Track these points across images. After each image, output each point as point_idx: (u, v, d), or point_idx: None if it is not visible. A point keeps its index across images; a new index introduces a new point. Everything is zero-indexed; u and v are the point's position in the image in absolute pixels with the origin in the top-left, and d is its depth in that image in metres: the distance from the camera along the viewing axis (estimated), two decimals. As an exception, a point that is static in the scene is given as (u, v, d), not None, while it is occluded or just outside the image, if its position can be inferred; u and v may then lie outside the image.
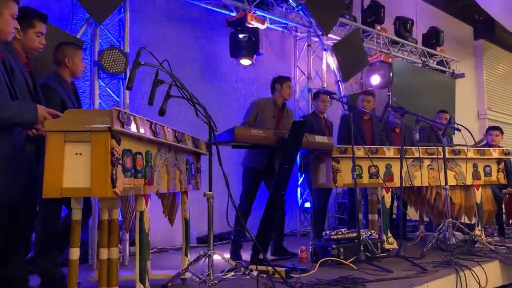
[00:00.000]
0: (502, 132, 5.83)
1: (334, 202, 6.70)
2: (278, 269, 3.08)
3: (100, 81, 4.35)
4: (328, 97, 4.77)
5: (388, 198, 4.33)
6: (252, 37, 5.53)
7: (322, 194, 4.76)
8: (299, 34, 6.73)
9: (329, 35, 6.55)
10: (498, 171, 4.86)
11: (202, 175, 3.43)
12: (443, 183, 4.28)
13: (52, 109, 2.28)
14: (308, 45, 6.62)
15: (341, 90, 6.81)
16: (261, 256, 3.28)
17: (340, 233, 3.90)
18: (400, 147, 4.09)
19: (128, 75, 3.95)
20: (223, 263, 2.86)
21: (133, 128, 2.12)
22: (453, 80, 8.92)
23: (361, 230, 3.81)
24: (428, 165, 4.52)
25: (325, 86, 6.54)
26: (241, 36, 5.49)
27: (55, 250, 3.00)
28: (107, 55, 4.23)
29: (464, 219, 4.92)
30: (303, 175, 5.81)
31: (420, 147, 4.39)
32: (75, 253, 2.11)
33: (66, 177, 1.95)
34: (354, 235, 3.82)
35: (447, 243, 4.06)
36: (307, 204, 6.32)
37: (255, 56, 5.63)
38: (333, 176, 4.02)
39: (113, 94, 4.50)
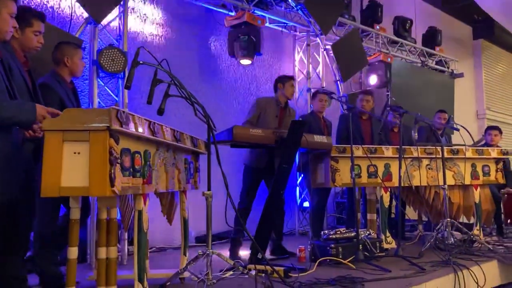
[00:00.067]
0: (501, 132, 5.84)
1: (333, 202, 6.70)
2: (276, 268, 3.08)
3: (99, 80, 4.34)
4: (327, 96, 4.77)
5: (386, 197, 4.34)
6: (252, 37, 5.53)
7: (321, 194, 4.76)
8: (298, 33, 6.73)
9: (328, 35, 6.55)
10: (496, 171, 4.86)
11: (201, 174, 3.43)
12: (441, 183, 4.29)
13: (51, 108, 2.27)
14: (307, 45, 6.63)
15: (340, 90, 6.81)
16: (259, 256, 3.28)
17: (338, 232, 3.90)
18: (398, 146, 4.09)
19: (126, 74, 3.94)
20: (221, 262, 2.86)
21: (131, 127, 2.12)
22: (452, 79, 8.93)
23: (360, 230, 3.81)
24: (427, 165, 4.52)
25: (324, 86, 6.54)
26: (241, 36, 5.49)
27: (54, 249, 3.00)
28: (106, 54, 4.23)
29: (463, 218, 4.93)
30: (302, 175, 5.81)
31: (418, 147, 4.39)
32: (73, 252, 2.11)
33: (64, 176, 1.95)
34: (352, 234, 3.82)
35: (446, 242, 4.07)
36: (306, 204, 6.32)
37: (255, 56, 5.63)
38: (331, 175, 4.03)
39: (111, 93, 4.50)
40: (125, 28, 4.48)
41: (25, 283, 2.55)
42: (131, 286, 2.33)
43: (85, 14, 4.26)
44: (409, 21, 8.02)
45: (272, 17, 6.08)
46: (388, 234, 4.33)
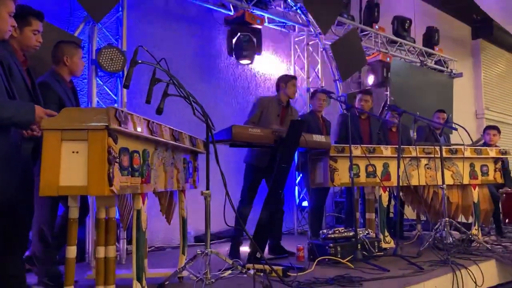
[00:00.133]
0: (499, 132, 5.84)
1: (332, 201, 6.71)
2: (275, 267, 3.08)
3: (97, 79, 4.34)
4: (326, 96, 4.77)
5: (385, 197, 4.34)
6: (251, 36, 5.53)
7: (319, 193, 4.76)
8: (297, 33, 6.74)
9: (327, 34, 6.55)
10: (495, 171, 4.87)
11: (199, 173, 3.43)
12: (440, 183, 4.29)
13: (49, 109, 2.27)
14: (306, 44, 6.63)
15: (339, 89, 6.82)
16: (258, 255, 3.28)
17: (337, 232, 3.90)
18: (397, 146, 4.09)
19: (125, 74, 3.94)
20: (220, 262, 2.86)
21: (130, 126, 2.12)
22: (451, 79, 8.94)
23: (358, 229, 3.82)
24: (426, 165, 4.53)
25: (323, 85, 6.54)
26: (240, 35, 5.48)
27: (52, 249, 3.00)
28: (104, 53, 4.23)
29: (461, 218, 4.94)
30: (301, 174, 5.81)
31: (417, 146, 4.39)
32: (72, 251, 2.11)
33: (63, 175, 1.95)
34: (351, 234, 3.82)
35: (444, 242, 4.07)
36: (305, 203, 6.32)
37: (254, 55, 5.63)
38: (330, 175, 4.03)
39: (110, 93, 4.50)
40: (124, 27, 4.48)
41: (24, 283, 2.54)
42: (130, 285, 2.34)
43: (84, 13, 4.26)
44: (408, 21, 8.03)
45: (271, 16, 6.08)
46: (386, 233, 4.34)
